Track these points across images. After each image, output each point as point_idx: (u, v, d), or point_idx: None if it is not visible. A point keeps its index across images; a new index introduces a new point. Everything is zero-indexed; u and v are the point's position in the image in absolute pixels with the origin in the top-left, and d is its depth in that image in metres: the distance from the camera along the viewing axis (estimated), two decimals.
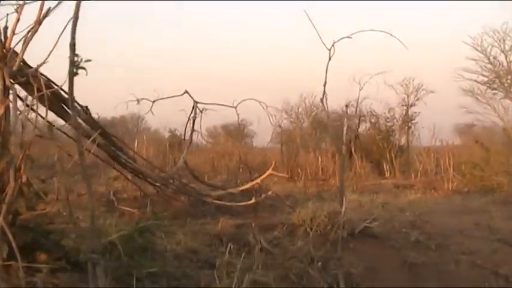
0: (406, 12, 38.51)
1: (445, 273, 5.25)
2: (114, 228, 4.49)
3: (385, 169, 18.29)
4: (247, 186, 6.14)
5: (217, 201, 6.01)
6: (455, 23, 34.45)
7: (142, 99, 7.01)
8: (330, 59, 6.26)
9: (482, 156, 14.60)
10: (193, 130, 7.13)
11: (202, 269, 4.47)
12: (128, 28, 42.73)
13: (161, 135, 27.63)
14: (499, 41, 19.25)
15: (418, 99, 20.49)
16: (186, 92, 6.62)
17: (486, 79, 19.83)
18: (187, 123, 7.11)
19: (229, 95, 32.34)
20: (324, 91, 6.02)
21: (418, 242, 5.92)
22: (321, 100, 6.01)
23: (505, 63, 19.35)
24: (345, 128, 9.47)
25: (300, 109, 25.06)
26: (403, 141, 20.03)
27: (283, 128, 22.96)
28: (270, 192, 5.95)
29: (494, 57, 19.29)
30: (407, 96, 20.58)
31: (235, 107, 7.09)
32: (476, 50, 19.53)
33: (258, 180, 6.04)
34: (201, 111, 6.98)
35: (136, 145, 16.09)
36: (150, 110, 7.03)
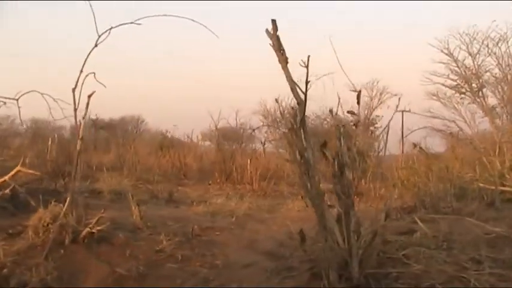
0: (374, 13, 36.51)
1: None
2: None
3: None
4: None
5: None
6: (422, 25, 32.32)
7: None
8: (96, 45, 5.44)
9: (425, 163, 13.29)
10: None
11: None
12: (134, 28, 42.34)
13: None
14: (466, 43, 17.64)
15: (381, 103, 19.08)
16: None
17: (454, 83, 18.25)
18: None
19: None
20: (76, 84, 5.15)
21: (161, 251, 4.95)
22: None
23: (472, 67, 17.73)
24: None
25: (278, 112, 23.99)
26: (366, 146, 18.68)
27: None
28: None
29: (460, 61, 17.65)
30: (371, 100, 19.23)
31: (17, 99, 6.35)
32: (443, 52, 17.99)
33: (6, 178, 5.23)
34: None
35: None
36: None
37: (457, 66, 17.86)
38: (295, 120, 3.75)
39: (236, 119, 24.20)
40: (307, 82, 3.59)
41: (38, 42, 36.79)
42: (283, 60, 3.64)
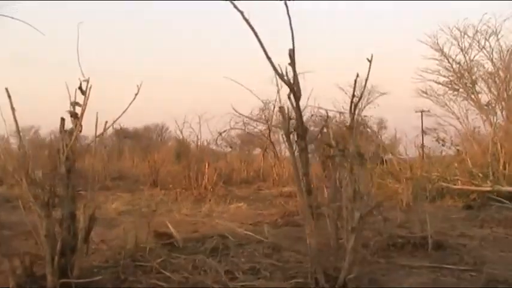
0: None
1: None
2: None
3: None
4: None
5: None
6: (412, 21, 29.98)
7: None
8: None
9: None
10: None
11: None
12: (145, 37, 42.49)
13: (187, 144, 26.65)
14: (456, 38, 16.02)
15: (369, 103, 17.81)
16: None
17: (447, 80, 16.68)
18: None
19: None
20: None
21: None
22: None
23: (464, 62, 16.06)
24: None
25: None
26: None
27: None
28: None
29: (451, 57, 16.07)
30: (359, 99, 17.85)
31: None
32: (433, 48, 16.51)
33: None
34: None
35: None
36: None
37: (449, 62, 16.37)
38: None
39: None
40: None
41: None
42: None
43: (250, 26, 3.11)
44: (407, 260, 4.63)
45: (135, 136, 31.99)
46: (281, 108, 3.61)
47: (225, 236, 5.09)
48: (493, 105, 15.48)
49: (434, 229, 6.22)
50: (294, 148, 3.60)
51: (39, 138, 27.71)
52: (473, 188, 9.82)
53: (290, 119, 3.61)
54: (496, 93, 15.33)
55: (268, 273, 4.06)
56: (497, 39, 15.21)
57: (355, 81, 3.23)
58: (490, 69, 15.55)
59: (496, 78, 15.19)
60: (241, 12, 3.05)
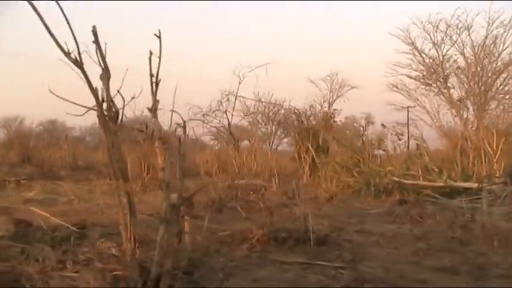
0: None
1: None
2: None
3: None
4: None
5: None
6: (385, 14, 29.33)
7: None
8: None
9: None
10: None
11: None
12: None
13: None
14: (429, 33, 15.50)
15: (339, 96, 17.36)
16: None
17: (420, 74, 16.19)
18: None
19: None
20: None
21: None
22: None
23: (436, 57, 15.55)
24: None
25: (258, 109, 22.59)
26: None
27: None
28: None
29: (424, 51, 15.55)
30: (330, 93, 17.56)
31: None
32: (404, 42, 16.03)
33: None
34: None
35: None
36: None
37: (421, 56, 15.90)
38: None
39: None
40: None
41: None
42: None
43: (33, 7, 2.86)
44: (284, 255, 4.38)
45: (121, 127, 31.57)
46: (92, 90, 3.34)
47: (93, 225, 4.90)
48: (465, 99, 15.02)
49: (337, 224, 6.01)
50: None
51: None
52: (425, 183, 9.54)
53: (103, 101, 3.34)
54: (467, 87, 14.86)
55: (101, 264, 3.82)
56: (469, 34, 14.74)
57: (150, 58, 2.97)
58: (462, 64, 15.06)
59: (469, 74, 14.73)
60: None
